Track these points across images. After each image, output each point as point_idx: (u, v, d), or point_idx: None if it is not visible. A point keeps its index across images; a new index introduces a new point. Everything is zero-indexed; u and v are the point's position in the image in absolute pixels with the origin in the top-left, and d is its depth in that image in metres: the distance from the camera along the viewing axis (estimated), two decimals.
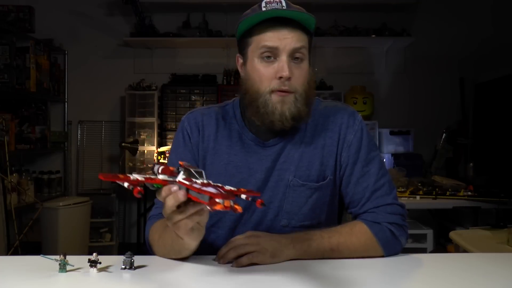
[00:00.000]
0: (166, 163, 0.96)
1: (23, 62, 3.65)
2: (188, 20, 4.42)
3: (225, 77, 4.35)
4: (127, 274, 1.01)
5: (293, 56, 1.14)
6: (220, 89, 4.29)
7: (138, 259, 1.05)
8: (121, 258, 1.04)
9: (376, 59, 4.51)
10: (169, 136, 4.29)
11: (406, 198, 3.00)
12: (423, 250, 3.08)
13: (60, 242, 3.60)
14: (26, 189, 3.64)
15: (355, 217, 1.23)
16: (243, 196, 0.87)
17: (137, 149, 4.10)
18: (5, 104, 3.81)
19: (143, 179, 0.88)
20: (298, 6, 1.17)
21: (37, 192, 3.97)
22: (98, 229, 4.10)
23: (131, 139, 4.15)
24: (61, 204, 3.69)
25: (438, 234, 3.37)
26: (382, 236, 1.15)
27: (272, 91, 1.14)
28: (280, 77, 1.12)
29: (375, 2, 4.32)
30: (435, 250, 3.06)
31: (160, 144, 4.25)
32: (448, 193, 3.05)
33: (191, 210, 0.90)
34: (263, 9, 1.13)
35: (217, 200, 0.81)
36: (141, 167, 4.22)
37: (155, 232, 1.17)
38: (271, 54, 1.13)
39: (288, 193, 1.20)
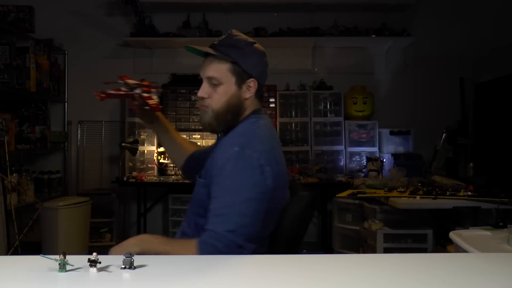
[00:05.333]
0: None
1: (23, 62, 3.64)
2: (188, 20, 4.41)
3: None
4: (127, 273, 1.01)
5: (210, 82, 1.44)
6: None
7: (138, 259, 1.05)
8: (121, 258, 1.04)
9: (376, 59, 4.51)
10: None
11: (406, 198, 3.00)
12: (423, 250, 3.08)
13: (60, 242, 3.60)
14: (26, 189, 3.64)
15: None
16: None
17: (137, 149, 4.10)
18: (5, 104, 3.81)
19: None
20: (240, 36, 1.50)
21: (37, 192, 3.96)
22: (98, 229, 4.10)
23: (131, 139, 4.14)
24: (61, 204, 3.69)
25: (438, 234, 3.37)
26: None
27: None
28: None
29: (375, 2, 4.33)
30: (435, 250, 3.05)
31: (160, 144, 4.24)
32: (448, 193, 3.05)
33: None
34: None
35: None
36: (141, 167, 4.22)
37: None
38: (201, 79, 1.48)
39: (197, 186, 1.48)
